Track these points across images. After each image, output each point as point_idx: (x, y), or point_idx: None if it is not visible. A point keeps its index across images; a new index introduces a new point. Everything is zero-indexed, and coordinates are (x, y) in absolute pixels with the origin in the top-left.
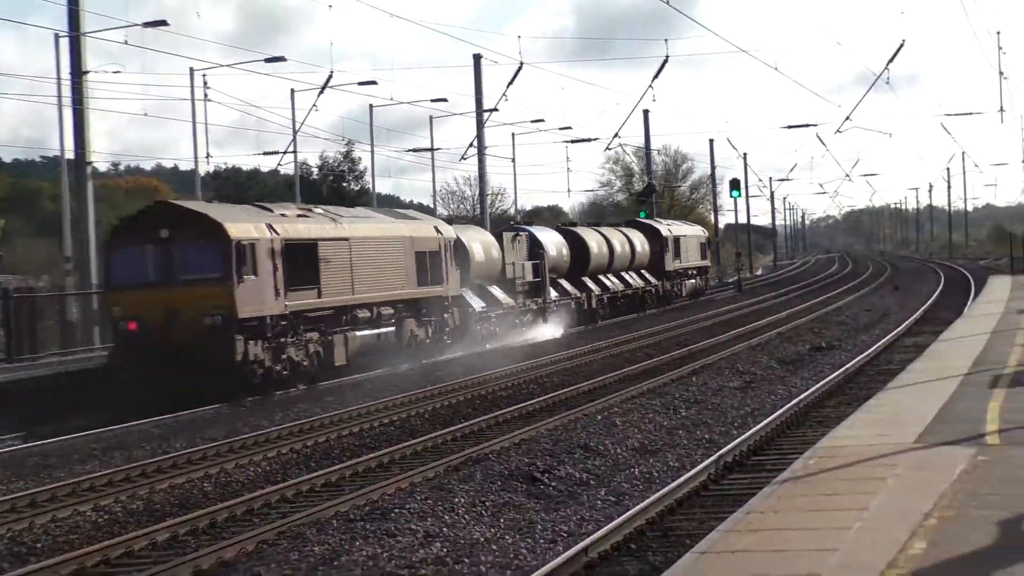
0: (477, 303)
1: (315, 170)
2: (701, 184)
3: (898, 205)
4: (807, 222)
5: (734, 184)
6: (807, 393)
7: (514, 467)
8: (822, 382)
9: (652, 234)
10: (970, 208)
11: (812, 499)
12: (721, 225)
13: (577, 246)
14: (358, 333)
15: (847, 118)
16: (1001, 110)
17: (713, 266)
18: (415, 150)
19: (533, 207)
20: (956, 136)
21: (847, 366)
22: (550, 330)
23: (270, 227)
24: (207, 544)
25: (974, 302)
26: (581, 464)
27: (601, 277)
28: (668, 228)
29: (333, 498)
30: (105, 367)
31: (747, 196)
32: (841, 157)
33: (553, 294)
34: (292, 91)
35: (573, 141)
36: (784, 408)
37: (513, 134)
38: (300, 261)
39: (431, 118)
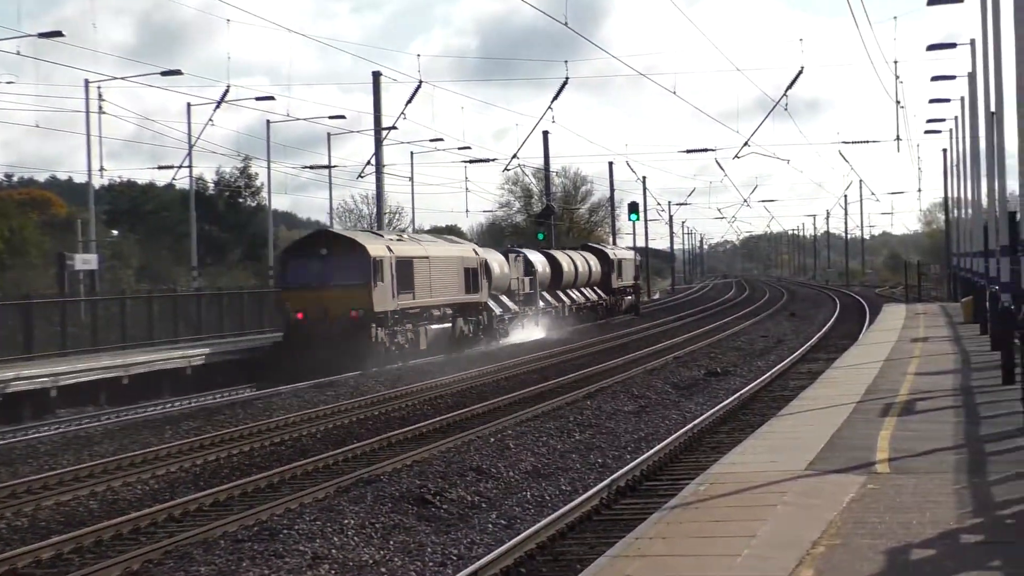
0: (496, 308)
1: (211, 185)
2: (600, 207)
3: (796, 231)
4: (705, 247)
5: (632, 207)
6: (701, 419)
7: (405, 489)
8: (716, 408)
9: (601, 257)
10: (867, 236)
11: (701, 525)
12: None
13: (554, 265)
14: (432, 326)
15: (745, 143)
16: (898, 139)
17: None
18: (313, 167)
19: (431, 227)
20: (853, 164)
21: (741, 392)
22: (539, 331)
23: (388, 247)
24: (91, 563)
25: (868, 330)
26: (473, 487)
27: (570, 291)
28: (613, 252)
29: (221, 518)
30: (280, 344)
31: (645, 220)
32: (739, 182)
33: (540, 303)
34: (188, 105)
35: (472, 161)
36: (678, 433)
37: (412, 153)
38: (404, 272)
39: (329, 135)
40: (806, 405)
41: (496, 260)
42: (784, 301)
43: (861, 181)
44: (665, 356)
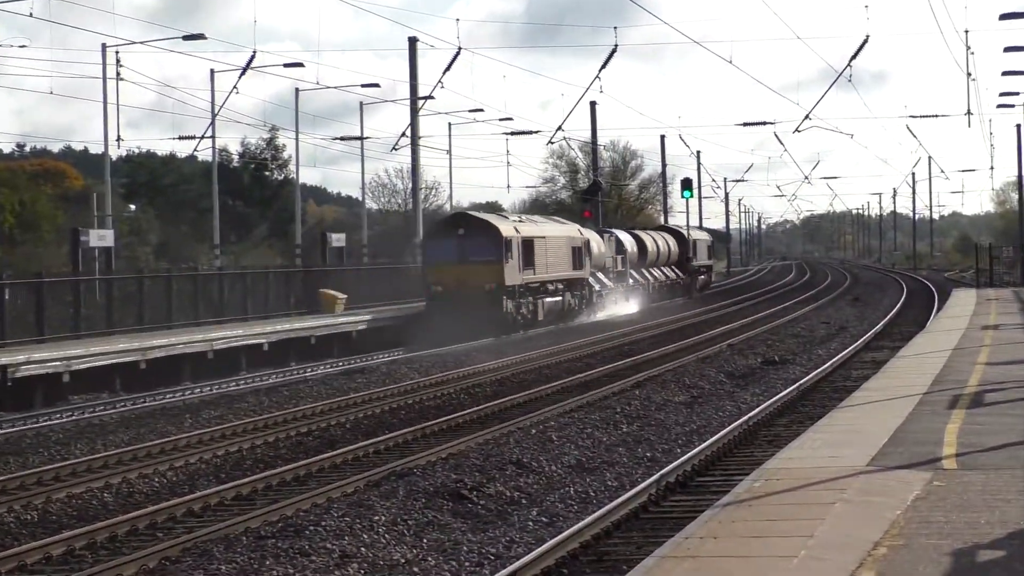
0: (595, 284)
1: (236, 157)
2: (651, 183)
3: (860, 211)
4: (763, 226)
5: (686, 184)
6: (757, 410)
7: (440, 483)
8: (773, 399)
9: (678, 237)
10: (936, 216)
11: (755, 524)
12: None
13: (640, 245)
14: (547, 299)
15: (806, 117)
16: (968, 113)
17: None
18: (344, 138)
19: (470, 203)
20: (922, 139)
21: (800, 382)
22: (631, 306)
23: (515, 228)
24: (105, 559)
25: (936, 316)
26: (512, 482)
27: (652, 269)
28: (689, 233)
29: (243, 513)
30: (422, 314)
31: (700, 197)
32: (800, 158)
33: (630, 280)
34: (212, 72)
35: (514, 133)
36: (732, 426)
37: (450, 124)
38: (527, 251)
39: (362, 104)
40: (869, 396)
41: (595, 240)
42: (847, 285)
43: (930, 158)
44: (719, 343)
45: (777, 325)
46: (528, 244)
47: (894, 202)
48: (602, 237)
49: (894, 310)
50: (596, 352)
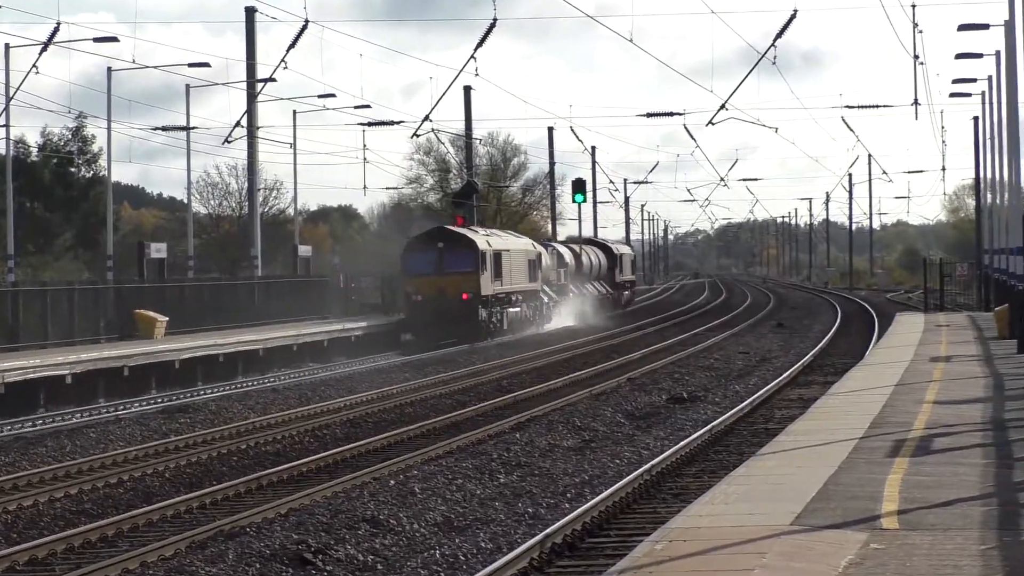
0: (545, 296)
1: (34, 150)
2: (536, 184)
3: (786, 219)
4: (671, 237)
5: (578, 186)
6: (661, 458)
7: (279, 545)
8: (680, 444)
9: (606, 252)
10: (876, 226)
11: None
12: (561, 238)
13: (576, 259)
14: (511, 309)
15: (722, 107)
16: (916, 103)
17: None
18: (167, 128)
19: (319, 207)
20: (860, 134)
21: (713, 424)
22: (568, 319)
23: (487, 242)
24: None
25: (877, 346)
26: (366, 543)
27: (587, 284)
28: (616, 247)
29: None
30: (402, 322)
31: (595, 202)
32: (715, 156)
33: (570, 294)
34: (7, 47)
35: (372, 124)
36: (631, 476)
37: (295, 112)
38: (497, 263)
39: (188, 88)
40: (795, 441)
41: (544, 253)
42: (770, 308)
43: (870, 156)
44: (616, 377)
45: (686, 355)
46: (497, 257)
47: (827, 209)
48: (547, 249)
49: (826, 338)
50: (474, 386)
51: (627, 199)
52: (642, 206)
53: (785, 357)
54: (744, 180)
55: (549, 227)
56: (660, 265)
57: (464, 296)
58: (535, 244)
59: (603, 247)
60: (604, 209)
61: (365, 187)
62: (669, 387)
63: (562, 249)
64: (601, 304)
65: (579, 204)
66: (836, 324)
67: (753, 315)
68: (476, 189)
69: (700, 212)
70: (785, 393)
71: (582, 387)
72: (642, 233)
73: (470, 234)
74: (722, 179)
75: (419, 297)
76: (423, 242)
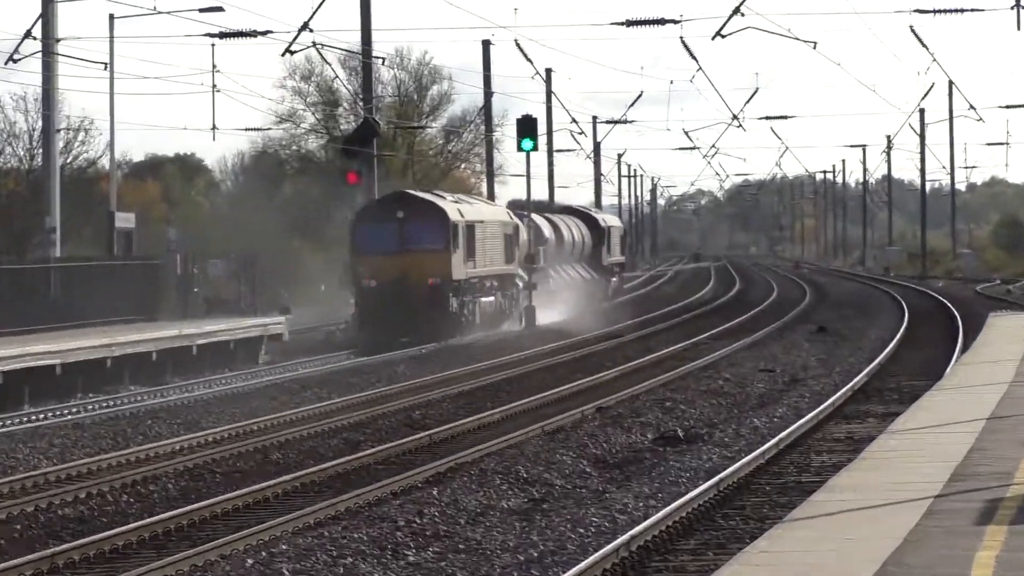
0: (521, 283)
1: None
2: (465, 125)
3: (828, 175)
4: (661, 201)
5: (526, 127)
6: (644, 526)
7: None
8: (673, 505)
9: (590, 225)
10: (962, 186)
11: None
12: (502, 202)
13: (557, 234)
14: (483, 299)
15: (736, 11)
16: (1020, 5)
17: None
18: None
19: (148, 156)
20: (937, 52)
21: (721, 476)
22: (553, 314)
23: (459, 211)
24: None
25: (960, 361)
26: None
27: (567, 267)
28: (603, 219)
29: None
30: (354, 316)
31: (550, 150)
32: (725, 85)
33: (551, 281)
34: None
35: (226, 35)
36: (599, 554)
37: (112, 18)
38: (469, 239)
39: None
40: (840, 502)
41: (522, 227)
42: (806, 305)
43: (951, 84)
44: (581, 404)
45: (683, 373)
46: (471, 230)
47: (888, 161)
48: (523, 221)
49: (886, 350)
50: (373, 419)
51: (597, 146)
52: (619, 156)
53: (827, 377)
54: (768, 119)
55: (484, 187)
56: (645, 242)
57: (431, 281)
58: (511, 214)
59: (587, 218)
60: (564, 161)
61: (215, 128)
62: (657, 421)
63: (540, 221)
64: (587, 295)
65: (527, 153)
66: (901, 329)
67: (781, 315)
68: (377, 131)
69: (704, 165)
70: (827, 430)
71: (531, 419)
72: (619, 196)
73: (438, 201)
74: (735, 118)
75: (372, 283)
76: (378, 211)
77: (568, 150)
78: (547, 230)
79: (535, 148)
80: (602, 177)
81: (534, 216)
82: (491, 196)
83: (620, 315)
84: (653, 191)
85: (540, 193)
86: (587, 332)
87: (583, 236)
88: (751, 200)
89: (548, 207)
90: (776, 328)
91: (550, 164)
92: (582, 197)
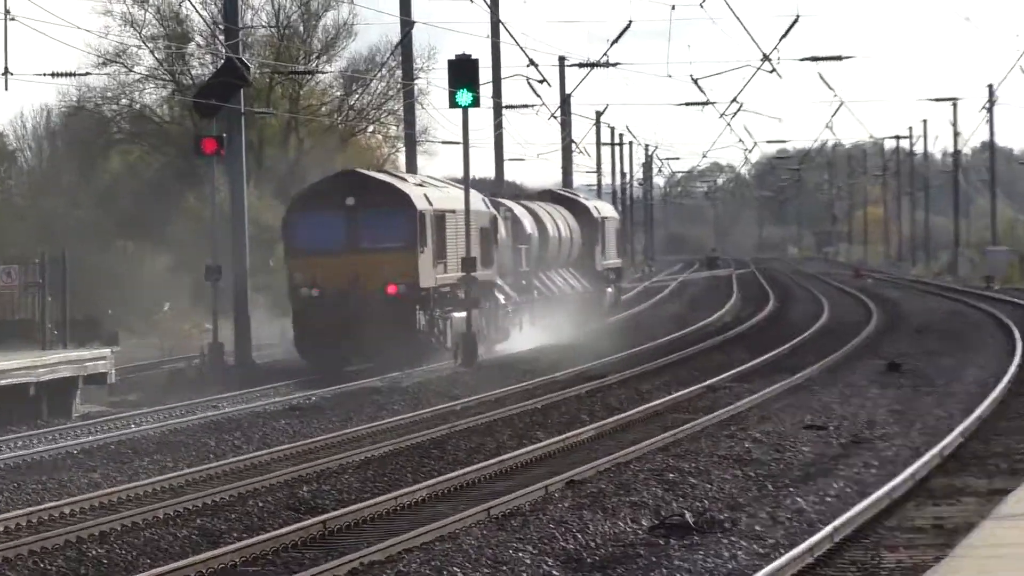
0: (500, 295)
1: None
2: (372, 70)
3: (904, 142)
4: (659, 181)
5: (462, 71)
6: None
7: None
8: None
9: (581, 215)
10: None
11: None
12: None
13: (541, 229)
14: (455, 315)
15: None
16: None
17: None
18: None
19: None
20: None
21: None
22: (527, 337)
23: (426, 196)
24: None
25: None
26: None
27: (553, 274)
28: (595, 207)
29: None
30: (292, 335)
31: (498, 104)
32: (750, 10)
33: (535, 292)
34: None
35: None
36: None
37: None
38: (439, 234)
39: None
40: None
41: (497, 218)
42: (871, 332)
43: None
44: (546, 476)
45: (693, 431)
46: (440, 222)
47: (991, 123)
48: (499, 211)
49: (989, 398)
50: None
51: (567, 100)
52: (598, 114)
53: (903, 437)
54: (813, 61)
55: (402, 159)
56: (635, 240)
57: (392, 289)
58: (487, 201)
59: (574, 207)
60: (518, 121)
61: (7, 72)
62: (655, 501)
63: (520, 211)
64: (577, 312)
65: (465, 111)
66: (1012, 368)
67: (834, 348)
68: (246, 78)
69: (722, 128)
70: (904, 515)
71: (471, 498)
72: (597, 172)
73: (400, 184)
74: (766, 59)
75: (315, 291)
76: (322, 197)
77: (524, 106)
78: (528, 223)
79: (476, 103)
80: (574, 146)
81: (512, 205)
82: (412, 171)
83: (605, 344)
84: (647, 165)
85: (483, 168)
86: (561, 367)
87: (571, 232)
88: (790, 179)
89: (523, 194)
90: (828, 366)
91: (498, 127)
92: (544, 175)
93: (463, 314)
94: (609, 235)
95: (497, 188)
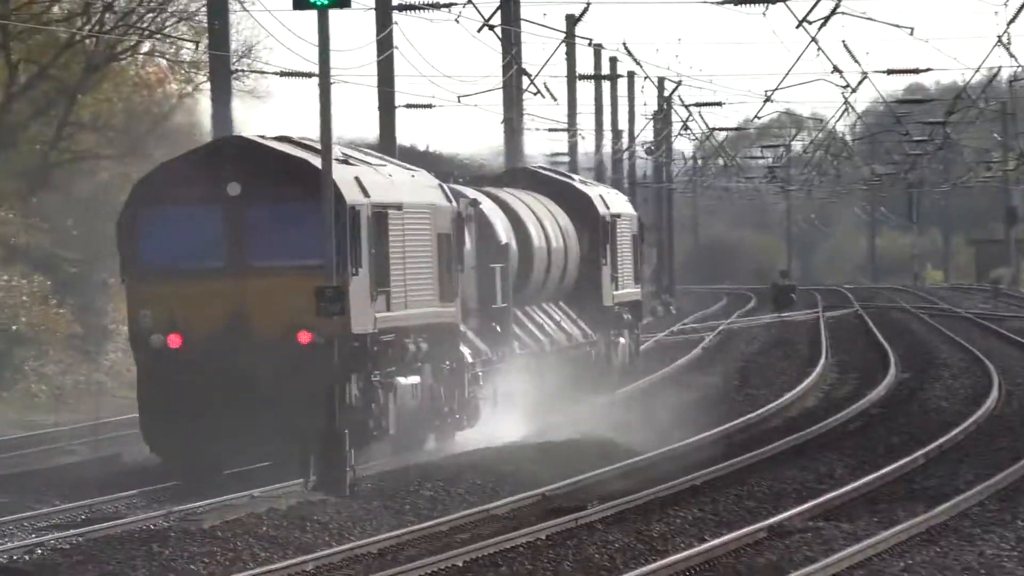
0: (467, 348)
1: None
2: None
3: None
4: (687, 149)
5: None
6: None
7: None
8: None
9: (579, 212)
10: None
11: None
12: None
13: (522, 239)
14: (403, 381)
15: None
16: None
17: None
18: None
19: None
20: None
21: None
22: (498, 424)
23: (357, 179)
24: None
25: None
26: None
27: (538, 311)
28: (602, 197)
29: None
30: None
31: (386, 5)
32: None
33: (516, 344)
34: None
35: None
36: None
37: None
38: (380, 244)
39: None
40: None
41: (463, 215)
42: None
43: None
44: None
45: None
46: (381, 225)
47: None
48: (458, 203)
49: None
50: None
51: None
52: (570, 21)
53: None
54: None
55: (205, 107)
56: (648, 254)
57: (304, 336)
58: (445, 189)
59: (563, 195)
60: (423, 35)
61: None
62: None
63: (493, 210)
64: (578, 377)
65: (322, 12)
66: None
67: (1011, 455)
68: None
69: (803, 45)
70: None
71: None
72: (570, 129)
73: (314, 159)
74: None
75: (172, 339)
76: (185, 181)
77: (434, 5)
78: (501, 226)
79: (338, 1)
80: (525, 81)
81: (473, 193)
82: (222, 124)
83: (601, 441)
84: (663, 115)
85: (361, 124)
86: (512, 483)
87: (565, 240)
88: (929, 141)
89: (486, 178)
90: (998, 489)
91: (385, 44)
92: (472, 138)
93: (412, 379)
94: (623, 246)
95: (537, 170)
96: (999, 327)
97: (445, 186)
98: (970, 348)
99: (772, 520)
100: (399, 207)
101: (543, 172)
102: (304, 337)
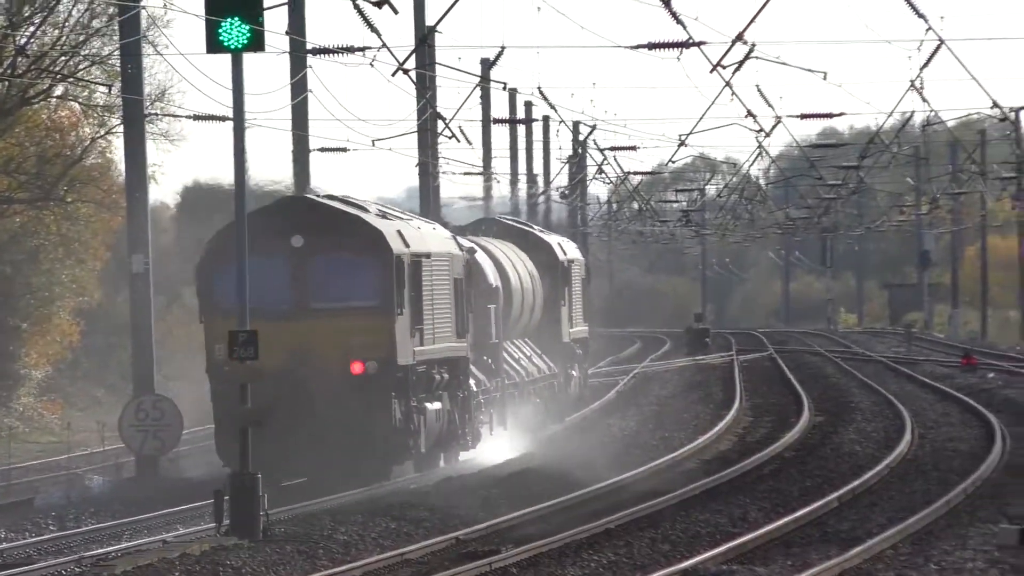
0: (472, 379)
1: None
2: None
3: None
4: (602, 192)
5: None
6: None
7: None
8: None
9: (542, 258)
10: None
11: None
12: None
13: (504, 279)
14: (431, 407)
15: None
16: None
17: None
18: None
19: None
20: None
21: None
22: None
23: (400, 233)
24: None
25: None
26: None
27: (515, 347)
28: (559, 246)
29: None
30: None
31: (300, 47)
32: None
33: (505, 372)
34: None
35: None
36: None
37: None
38: (415, 289)
39: None
40: None
41: (472, 264)
42: (995, 463)
43: None
44: None
45: None
46: (416, 271)
47: None
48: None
49: None
50: None
51: (426, 37)
52: (484, 64)
53: None
54: None
55: (118, 149)
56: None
57: (357, 367)
58: (457, 241)
59: (527, 243)
60: (337, 79)
61: None
62: None
63: (483, 257)
64: (545, 406)
65: (236, 56)
66: None
67: (924, 498)
68: None
69: (716, 90)
70: None
71: None
72: (485, 173)
73: (367, 216)
74: None
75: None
76: (256, 234)
77: (348, 49)
78: (491, 272)
79: (256, 45)
80: (442, 129)
81: (477, 245)
82: (136, 168)
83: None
84: (578, 159)
85: (274, 166)
86: (433, 529)
87: (533, 284)
88: (843, 185)
89: (466, 228)
90: (911, 533)
91: (298, 93)
92: (383, 181)
93: (437, 405)
94: (575, 288)
95: (502, 219)
96: (912, 371)
97: (456, 237)
98: (883, 392)
99: (686, 563)
100: (428, 255)
101: (507, 221)
102: (357, 367)
